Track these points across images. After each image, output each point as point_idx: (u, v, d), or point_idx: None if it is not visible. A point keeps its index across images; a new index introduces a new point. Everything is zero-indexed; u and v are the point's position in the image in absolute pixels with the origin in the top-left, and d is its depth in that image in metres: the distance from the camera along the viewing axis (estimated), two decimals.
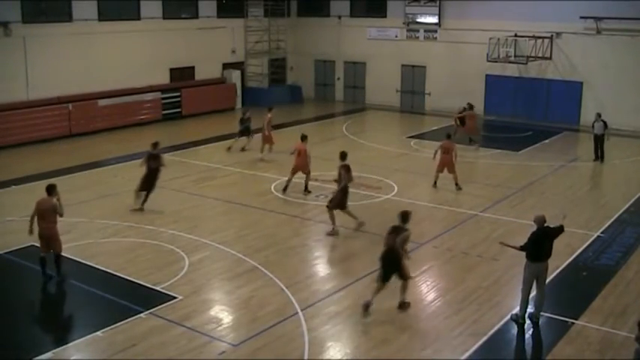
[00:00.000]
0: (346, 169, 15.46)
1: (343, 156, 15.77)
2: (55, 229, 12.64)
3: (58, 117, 25.58)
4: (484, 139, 26.23)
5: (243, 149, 23.32)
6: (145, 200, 16.90)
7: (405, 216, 11.53)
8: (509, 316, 11.38)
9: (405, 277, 11.43)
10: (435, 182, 19.19)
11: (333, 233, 15.39)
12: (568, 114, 29.19)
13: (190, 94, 30.85)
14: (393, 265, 11.34)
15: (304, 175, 18.45)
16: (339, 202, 15.46)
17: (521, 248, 11.15)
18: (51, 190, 12.73)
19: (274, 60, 35.97)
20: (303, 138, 18.44)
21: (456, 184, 19.01)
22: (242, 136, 23.51)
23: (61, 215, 12.72)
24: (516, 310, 11.36)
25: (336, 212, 15.51)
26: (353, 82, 35.55)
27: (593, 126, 23.01)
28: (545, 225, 11.16)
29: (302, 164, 18.23)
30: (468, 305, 11.93)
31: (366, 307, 11.28)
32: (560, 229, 11.34)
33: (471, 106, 25.30)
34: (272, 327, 11.02)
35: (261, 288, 12.57)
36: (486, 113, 30.95)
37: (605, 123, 22.45)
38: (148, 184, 16.86)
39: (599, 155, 22.63)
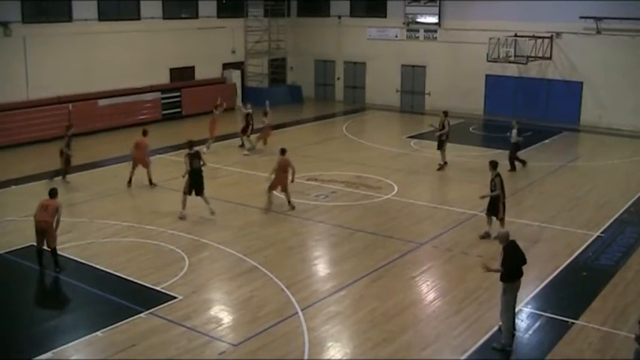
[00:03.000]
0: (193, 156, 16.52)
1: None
2: (52, 224, 13.15)
3: (58, 117, 25.52)
4: (484, 139, 26.18)
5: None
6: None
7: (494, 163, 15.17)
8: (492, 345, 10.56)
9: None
10: (289, 202, 17.08)
11: (181, 217, 16.31)
12: (568, 114, 29.19)
13: (190, 94, 30.85)
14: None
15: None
16: (186, 186, 16.56)
17: (503, 267, 10.40)
18: (53, 193, 13.42)
19: (274, 60, 35.95)
20: None
21: (289, 203, 17.16)
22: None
23: (57, 223, 13.22)
24: (500, 341, 10.54)
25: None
26: (353, 82, 35.52)
27: (510, 134, 21.02)
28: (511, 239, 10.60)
29: None
30: (468, 305, 11.93)
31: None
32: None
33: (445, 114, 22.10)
34: (272, 327, 11.02)
35: (261, 288, 12.57)
36: (486, 113, 30.98)
37: (519, 130, 20.85)
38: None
39: (520, 162, 21.17)
